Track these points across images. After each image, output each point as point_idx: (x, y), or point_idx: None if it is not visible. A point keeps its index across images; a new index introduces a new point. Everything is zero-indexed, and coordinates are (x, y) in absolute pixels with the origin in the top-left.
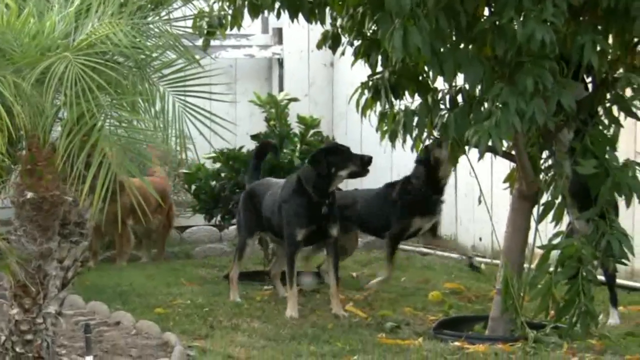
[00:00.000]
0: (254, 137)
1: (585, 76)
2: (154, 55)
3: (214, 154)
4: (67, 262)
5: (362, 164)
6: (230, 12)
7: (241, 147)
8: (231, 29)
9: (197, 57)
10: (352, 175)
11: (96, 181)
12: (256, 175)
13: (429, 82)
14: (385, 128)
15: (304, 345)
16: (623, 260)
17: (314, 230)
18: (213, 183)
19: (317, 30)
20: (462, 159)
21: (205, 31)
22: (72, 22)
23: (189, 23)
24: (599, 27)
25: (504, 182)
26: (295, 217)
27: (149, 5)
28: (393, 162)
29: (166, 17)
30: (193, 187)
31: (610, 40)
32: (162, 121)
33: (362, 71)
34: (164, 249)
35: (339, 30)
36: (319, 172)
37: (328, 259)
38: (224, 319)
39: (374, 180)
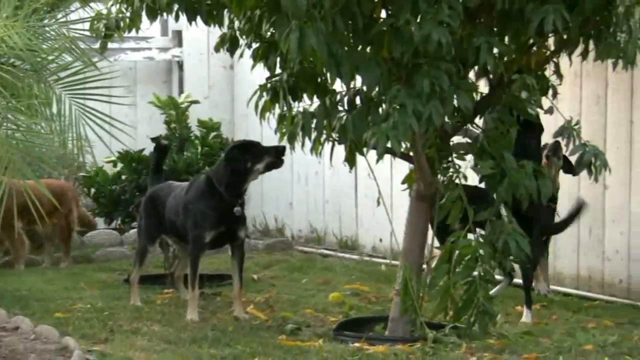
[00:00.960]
0: (154, 139)
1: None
2: (50, 58)
3: (113, 158)
4: None
5: (276, 154)
6: (128, 14)
7: (142, 150)
8: (129, 32)
9: (96, 60)
10: (269, 167)
11: None
12: (157, 178)
13: (327, 84)
14: (284, 130)
15: (204, 349)
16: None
17: (222, 231)
18: (113, 186)
19: (217, 32)
20: (362, 161)
21: (103, 34)
22: None
23: (87, 25)
24: (495, 29)
25: (403, 183)
26: (203, 218)
27: (45, 8)
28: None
29: (63, 20)
30: (92, 190)
31: (507, 42)
32: (59, 124)
33: (261, 73)
34: (69, 252)
35: (237, 32)
36: (238, 168)
37: (233, 261)
38: (124, 322)
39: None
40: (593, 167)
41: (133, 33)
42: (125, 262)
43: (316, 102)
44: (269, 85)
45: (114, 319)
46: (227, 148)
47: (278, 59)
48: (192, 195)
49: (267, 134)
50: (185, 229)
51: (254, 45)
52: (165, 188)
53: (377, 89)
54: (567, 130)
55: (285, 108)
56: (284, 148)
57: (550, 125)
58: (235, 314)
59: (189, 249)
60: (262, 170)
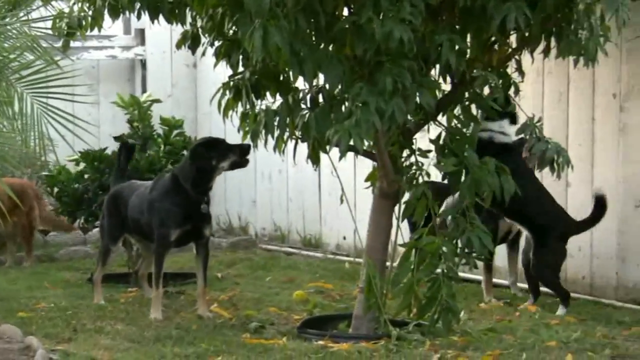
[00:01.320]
0: (117, 138)
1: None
2: (12, 56)
3: (76, 157)
4: None
5: (241, 153)
6: (90, 13)
7: (104, 149)
8: (91, 30)
9: (58, 58)
10: (233, 166)
11: None
12: (121, 177)
13: (290, 82)
14: (247, 128)
15: (167, 347)
16: (483, 256)
17: (188, 230)
18: (76, 185)
19: (179, 31)
20: (325, 158)
21: (65, 32)
22: None
23: (49, 24)
24: (457, 27)
25: (366, 180)
26: (169, 216)
27: (6, 6)
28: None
29: (24, 18)
30: (55, 189)
31: (469, 40)
32: (21, 123)
33: (224, 71)
34: (31, 251)
35: (199, 30)
36: (203, 166)
37: (198, 259)
38: (88, 321)
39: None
40: (555, 164)
41: (95, 31)
42: (88, 261)
43: (279, 100)
44: (231, 83)
45: (77, 318)
46: (191, 145)
47: (240, 57)
48: (157, 193)
49: (230, 132)
50: (150, 227)
51: (217, 43)
52: (128, 187)
53: (339, 86)
54: (530, 127)
55: (248, 106)
56: (248, 147)
57: None
58: (198, 313)
59: (154, 247)
60: (226, 169)
